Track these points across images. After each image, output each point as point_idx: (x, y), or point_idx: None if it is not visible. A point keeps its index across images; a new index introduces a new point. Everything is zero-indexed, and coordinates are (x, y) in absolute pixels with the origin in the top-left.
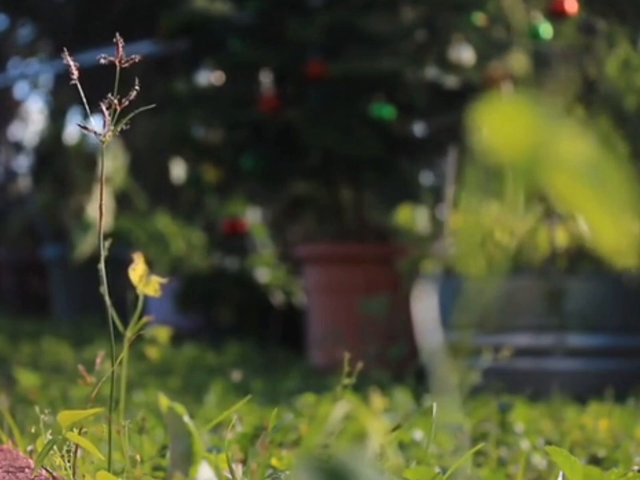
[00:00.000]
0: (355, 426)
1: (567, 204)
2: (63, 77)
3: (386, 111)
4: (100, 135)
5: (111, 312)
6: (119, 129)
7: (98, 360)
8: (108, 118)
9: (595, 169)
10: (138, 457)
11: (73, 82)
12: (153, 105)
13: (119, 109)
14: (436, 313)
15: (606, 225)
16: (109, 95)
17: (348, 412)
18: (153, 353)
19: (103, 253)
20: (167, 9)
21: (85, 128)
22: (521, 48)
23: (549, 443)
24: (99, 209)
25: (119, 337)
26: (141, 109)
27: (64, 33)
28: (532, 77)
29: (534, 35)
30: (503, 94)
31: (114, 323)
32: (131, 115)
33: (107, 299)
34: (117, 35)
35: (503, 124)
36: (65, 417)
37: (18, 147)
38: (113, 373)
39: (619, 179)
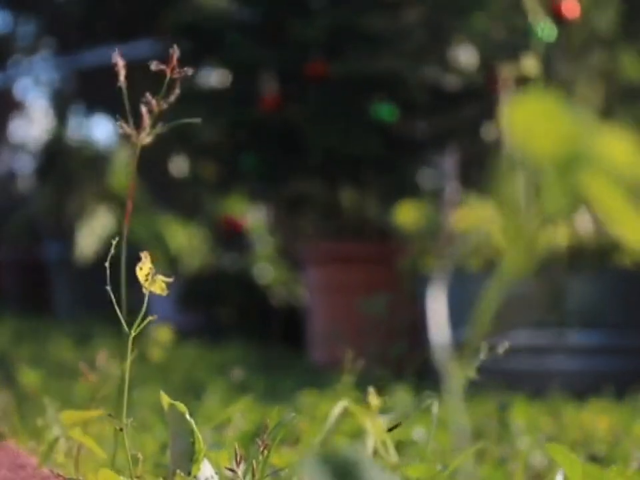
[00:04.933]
0: (353, 424)
1: (602, 205)
2: (66, 75)
3: (387, 111)
4: (134, 137)
5: (118, 311)
6: (156, 132)
7: (99, 359)
8: (147, 121)
9: (634, 170)
10: (140, 455)
11: (120, 81)
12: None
13: (147, 110)
14: (446, 311)
15: (633, 230)
16: (147, 96)
17: (347, 410)
18: (155, 354)
19: (110, 252)
20: (169, 8)
21: (122, 129)
22: (524, 49)
23: (548, 440)
24: (127, 205)
25: (122, 335)
26: (187, 120)
27: (67, 31)
28: (537, 79)
29: (537, 36)
30: (508, 95)
31: (119, 321)
32: (175, 122)
33: (112, 297)
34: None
35: (538, 123)
36: (68, 416)
37: (20, 146)
38: (123, 372)
39: None
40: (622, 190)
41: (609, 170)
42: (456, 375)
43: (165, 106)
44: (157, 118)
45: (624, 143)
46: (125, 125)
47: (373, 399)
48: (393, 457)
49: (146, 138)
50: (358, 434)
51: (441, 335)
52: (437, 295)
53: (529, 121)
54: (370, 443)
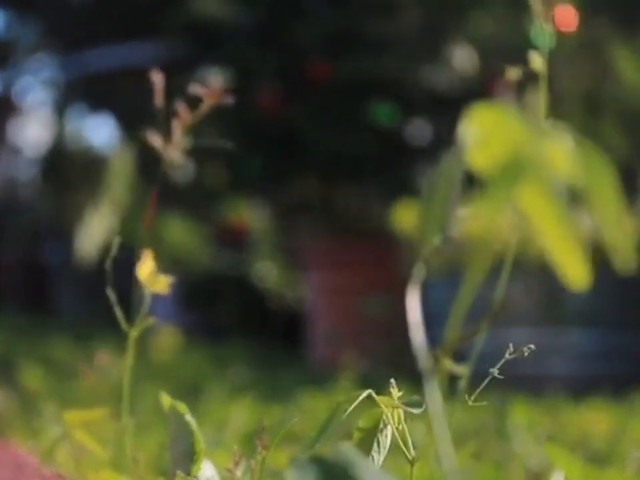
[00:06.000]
0: (370, 419)
1: (531, 220)
2: (69, 78)
3: (387, 113)
4: (164, 150)
5: (118, 312)
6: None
7: (99, 359)
8: (179, 133)
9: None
10: (141, 455)
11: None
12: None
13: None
14: (420, 311)
15: (561, 248)
16: (178, 107)
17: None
18: (160, 357)
19: (109, 253)
20: (171, 10)
21: (154, 142)
22: (524, 52)
23: (547, 440)
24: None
25: (124, 336)
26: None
27: (70, 33)
28: (534, 82)
29: (534, 41)
30: (495, 100)
31: (120, 322)
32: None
33: (112, 298)
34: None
35: (486, 133)
36: (71, 417)
37: (21, 149)
38: (124, 372)
39: (604, 193)
40: (555, 202)
41: (547, 177)
42: (435, 375)
43: (194, 121)
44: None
45: (565, 149)
46: (155, 139)
47: (394, 390)
48: (411, 450)
49: (178, 154)
50: (372, 429)
51: (418, 335)
52: (413, 295)
53: (482, 129)
54: (388, 435)
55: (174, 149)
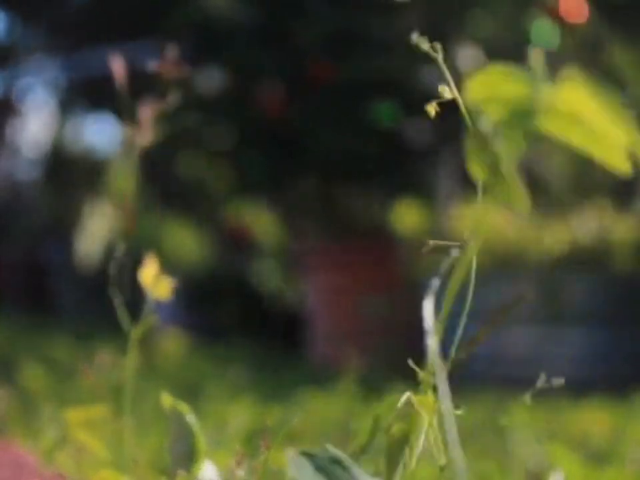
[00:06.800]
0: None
1: (564, 141)
2: (69, 79)
3: (388, 113)
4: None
5: (120, 312)
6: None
7: (100, 359)
8: (148, 124)
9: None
10: (141, 455)
11: (120, 85)
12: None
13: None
14: (433, 315)
15: (604, 149)
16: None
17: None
18: (161, 355)
19: (112, 254)
20: (172, 11)
21: (125, 132)
22: (527, 52)
23: (547, 440)
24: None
25: (124, 336)
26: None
27: (70, 33)
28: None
29: (539, 39)
30: None
31: (123, 322)
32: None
33: (114, 300)
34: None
35: (495, 87)
36: (72, 415)
37: (22, 150)
38: (125, 372)
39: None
40: (579, 128)
41: (566, 114)
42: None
43: (164, 108)
44: (160, 120)
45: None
46: (127, 128)
47: (430, 393)
48: (444, 453)
49: (147, 140)
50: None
51: (432, 338)
52: (429, 298)
53: (488, 86)
54: (421, 437)
55: (144, 136)
